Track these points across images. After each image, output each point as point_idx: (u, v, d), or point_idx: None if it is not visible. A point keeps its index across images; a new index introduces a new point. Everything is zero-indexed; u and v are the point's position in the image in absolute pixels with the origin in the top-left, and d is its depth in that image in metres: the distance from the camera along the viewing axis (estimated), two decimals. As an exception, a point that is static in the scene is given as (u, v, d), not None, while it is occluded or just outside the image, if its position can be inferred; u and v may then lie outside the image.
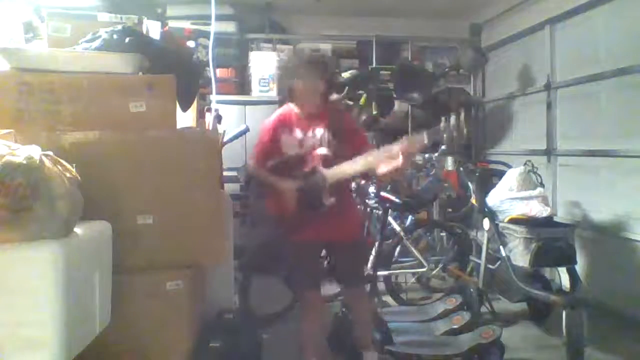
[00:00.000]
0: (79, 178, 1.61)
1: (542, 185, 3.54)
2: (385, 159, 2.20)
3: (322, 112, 2.45)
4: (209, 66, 3.18)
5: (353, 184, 3.19)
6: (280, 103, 4.79)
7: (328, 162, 2.38)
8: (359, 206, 3.69)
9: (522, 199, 3.25)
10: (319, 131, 2.43)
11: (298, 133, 2.45)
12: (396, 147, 2.17)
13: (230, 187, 3.77)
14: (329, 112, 2.47)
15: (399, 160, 2.16)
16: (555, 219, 3.51)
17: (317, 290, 2.61)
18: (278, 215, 2.51)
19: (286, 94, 2.50)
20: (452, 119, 2.12)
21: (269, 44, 5.37)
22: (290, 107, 2.52)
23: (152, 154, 2.00)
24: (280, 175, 2.47)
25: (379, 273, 3.58)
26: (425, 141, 2.15)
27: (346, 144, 2.43)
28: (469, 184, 3.67)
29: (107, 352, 1.80)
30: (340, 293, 3.35)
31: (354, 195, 3.35)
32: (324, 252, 2.91)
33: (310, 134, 2.44)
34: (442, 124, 2.13)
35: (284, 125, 2.48)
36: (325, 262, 3.07)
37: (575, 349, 2.71)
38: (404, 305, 3.73)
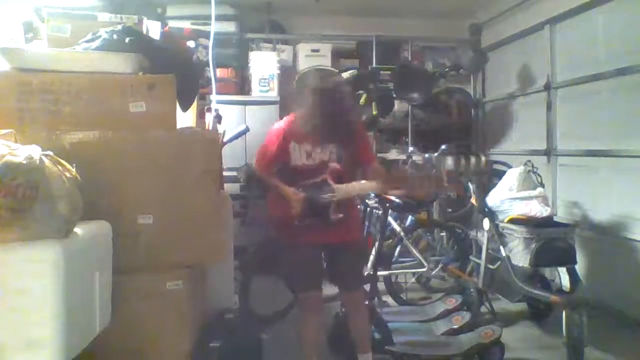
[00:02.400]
0: (79, 178, 1.61)
1: (542, 185, 3.54)
2: (392, 185, 2.24)
3: (334, 126, 2.40)
4: (209, 66, 3.18)
5: None
6: (282, 105, 4.84)
7: (338, 175, 2.39)
8: (358, 206, 3.69)
9: (522, 199, 3.25)
10: (330, 146, 2.42)
11: (307, 146, 2.43)
12: (404, 176, 2.22)
13: (230, 187, 3.77)
14: (341, 128, 2.42)
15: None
16: (555, 219, 3.51)
17: (317, 291, 2.61)
18: (279, 217, 2.51)
19: (300, 108, 2.45)
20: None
21: (269, 44, 5.37)
22: (299, 118, 2.49)
23: (152, 154, 2.01)
24: (286, 180, 2.46)
25: (379, 273, 3.57)
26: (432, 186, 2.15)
27: (353, 154, 2.45)
28: (469, 184, 3.67)
29: (107, 352, 1.80)
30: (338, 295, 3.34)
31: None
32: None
33: (320, 147, 2.42)
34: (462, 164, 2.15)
35: (293, 134, 2.44)
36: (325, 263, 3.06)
37: (575, 349, 2.71)
38: (404, 305, 3.73)
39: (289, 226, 2.46)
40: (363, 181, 2.53)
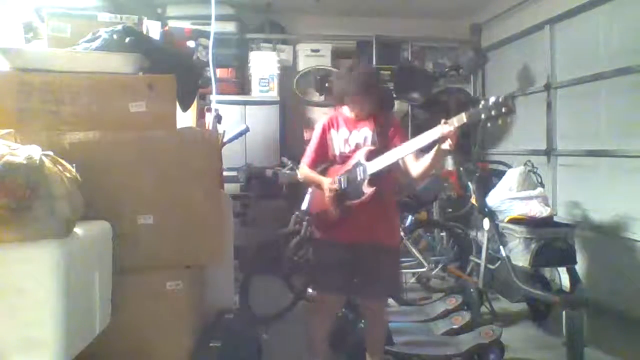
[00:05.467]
0: (79, 178, 1.61)
1: (542, 185, 3.54)
2: (424, 144, 2.21)
3: (370, 112, 2.48)
4: (209, 66, 3.18)
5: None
6: (282, 105, 4.81)
7: (370, 155, 2.38)
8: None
9: (522, 199, 3.24)
10: (365, 130, 2.45)
11: (345, 131, 2.48)
12: (434, 130, 2.15)
13: (230, 187, 3.77)
14: (376, 114, 2.49)
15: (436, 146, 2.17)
16: (555, 219, 3.51)
17: (341, 296, 2.59)
18: (318, 213, 2.54)
19: (337, 100, 2.54)
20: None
21: (269, 44, 5.37)
22: (338, 110, 2.58)
23: (152, 154, 2.00)
24: (327, 174, 2.52)
25: (379, 273, 3.57)
26: (465, 119, 2.07)
27: (390, 143, 2.43)
28: (469, 184, 3.67)
29: (107, 352, 1.80)
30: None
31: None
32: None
33: (356, 132, 2.47)
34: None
35: (331, 125, 2.53)
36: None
37: (575, 349, 2.71)
38: (404, 305, 3.73)
39: (325, 221, 2.47)
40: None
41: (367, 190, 2.32)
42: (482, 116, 2.05)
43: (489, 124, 2.08)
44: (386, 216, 2.46)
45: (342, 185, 2.39)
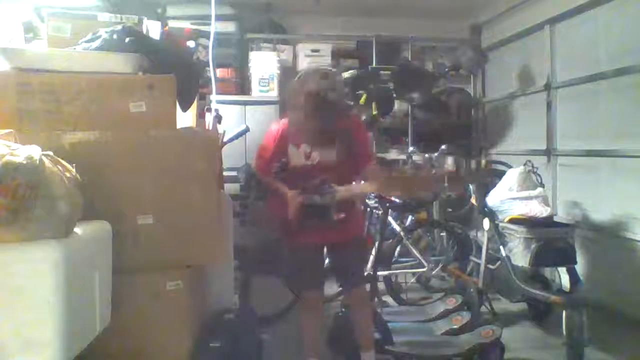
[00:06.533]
0: (79, 178, 1.61)
1: (542, 185, 3.54)
2: (396, 187, 2.25)
3: (332, 127, 2.40)
4: (209, 66, 3.18)
5: None
6: (282, 105, 4.82)
7: (338, 175, 2.39)
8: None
9: (522, 199, 3.25)
10: (329, 148, 2.42)
11: (306, 146, 2.44)
12: (402, 174, 2.21)
13: (230, 187, 3.77)
14: (338, 128, 2.42)
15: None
16: (555, 219, 3.51)
17: (318, 291, 2.62)
18: (280, 219, 2.51)
19: (294, 111, 2.42)
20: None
21: (269, 44, 5.37)
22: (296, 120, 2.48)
23: (152, 154, 2.00)
24: (285, 179, 2.46)
25: (379, 273, 3.57)
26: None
27: (351, 155, 2.44)
28: (469, 184, 3.67)
29: (107, 352, 1.80)
30: (340, 293, 3.35)
31: None
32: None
33: (318, 149, 2.43)
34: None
35: (290, 136, 2.45)
36: (326, 262, 3.06)
37: (575, 349, 2.71)
38: (404, 305, 3.73)
39: (290, 227, 2.45)
40: (362, 182, 2.53)
41: (337, 217, 2.37)
42: None
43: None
44: (348, 216, 2.46)
45: (307, 203, 2.37)
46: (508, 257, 3.19)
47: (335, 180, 2.40)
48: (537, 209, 3.17)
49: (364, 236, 3.22)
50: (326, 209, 2.37)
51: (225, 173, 3.08)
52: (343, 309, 2.94)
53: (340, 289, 3.24)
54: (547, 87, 4.56)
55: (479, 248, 3.60)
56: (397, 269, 3.91)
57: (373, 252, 3.56)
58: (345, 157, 2.44)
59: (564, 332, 2.73)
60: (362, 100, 4.90)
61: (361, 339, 2.63)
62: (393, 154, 5.35)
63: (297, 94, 2.32)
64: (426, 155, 4.75)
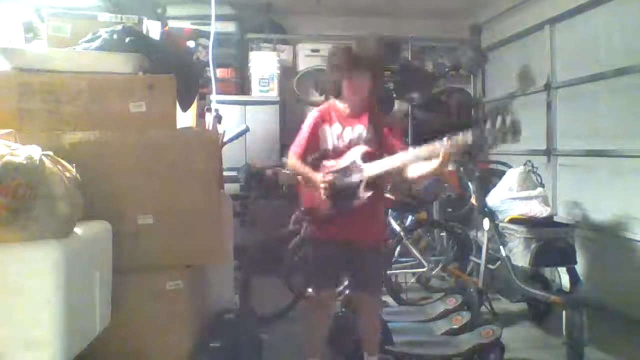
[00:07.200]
0: (79, 178, 1.61)
1: (542, 185, 3.54)
2: (424, 158, 2.18)
3: (364, 108, 2.44)
4: (209, 66, 3.18)
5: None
6: (282, 105, 4.81)
7: (367, 157, 2.35)
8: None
9: (522, 199, 3.25)
10: (359, 127, 2.42)
11: (337, 127, 2.44)
12: (438, 146, 2.13)
13: (230, 187, 3.77)
14: (371, 108, 2.46)
15: (436, 161, 2.14)
16: (555, 219, 3.51)
17: (332, 290, 2.59)
18: (309, 208, 2.50)
19: (328, 90, 2.50)
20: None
21: (269, 44, 5.37)
22: (331, 104, 2.52)
23: (152, 154, 2.00)
24: (318, 169, 2.44)
25: (379, 273, 3.57)
26: (470, 142, 2.06)
27: (383, 142, 2.42)
28: (469, 184, 3.67)
29: (107, 352, 1.80)
30: (340, 293, 3.34)
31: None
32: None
33: (349, 128, 2.43)
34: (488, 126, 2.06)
35: (323, 119, 2.47)
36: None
37: (575, 349, 2.71)
38: (404, 305, 3.73)
39: (317, 217, 2.45)
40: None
41: (364, 194, 2.32)
42: (489, 140, 2.06)
43: (492, 145, 2.08)
44: (375, 216, 2.49)
45: (336, 184, 2.35)
46: (508, 257, 3.19)
47: (366, 161, 2.36)
48: (537, 209, 3.17)
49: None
50: (354, 187, 2.33)
51: (225, 173, 3.09)
52: (343, 309, 2.94)
53: (341, 289, 3.25)
54: (547, 87, 4.56)
55: (479, 248, 3.60)
56: (397, 269, 3.91)
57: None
58: (376, 140, 2.41)
59: (564, 332, 2.73)
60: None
61: (367, 343, 2.61)
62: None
63: (333, 70, 2.37)
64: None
